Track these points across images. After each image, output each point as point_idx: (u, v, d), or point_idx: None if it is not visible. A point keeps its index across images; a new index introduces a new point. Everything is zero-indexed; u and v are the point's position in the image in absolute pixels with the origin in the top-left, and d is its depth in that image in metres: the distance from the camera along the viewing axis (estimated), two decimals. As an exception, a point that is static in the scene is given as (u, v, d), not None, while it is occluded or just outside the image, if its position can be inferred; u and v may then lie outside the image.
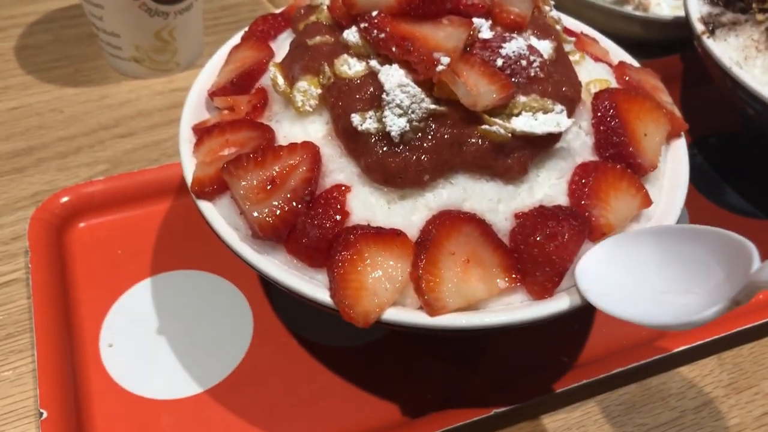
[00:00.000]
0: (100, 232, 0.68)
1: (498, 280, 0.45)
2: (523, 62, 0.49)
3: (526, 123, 0.48)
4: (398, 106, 0.46)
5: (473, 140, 0.47)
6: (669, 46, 0.89)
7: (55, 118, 0.80)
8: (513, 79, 0.49)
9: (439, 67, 0.45)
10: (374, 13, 0.49)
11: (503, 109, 0.48)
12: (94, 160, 0.76)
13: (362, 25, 0.49)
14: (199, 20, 0.87)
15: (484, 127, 0.47)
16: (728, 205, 0.75)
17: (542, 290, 0.46)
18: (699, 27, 0.68)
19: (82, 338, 0.60)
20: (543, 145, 0.49)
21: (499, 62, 0.49)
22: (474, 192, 0.48)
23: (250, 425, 0.56)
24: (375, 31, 0.48)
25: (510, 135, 0.47)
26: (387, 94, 0.46)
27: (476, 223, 0.45)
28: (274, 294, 0.64)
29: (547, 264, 0.45)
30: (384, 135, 0.46)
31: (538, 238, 0.45)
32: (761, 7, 0.66)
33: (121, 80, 0.86)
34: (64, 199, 0.67)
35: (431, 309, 0.44)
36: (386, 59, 0.48)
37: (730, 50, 0.66)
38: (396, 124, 0.46)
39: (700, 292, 0.36)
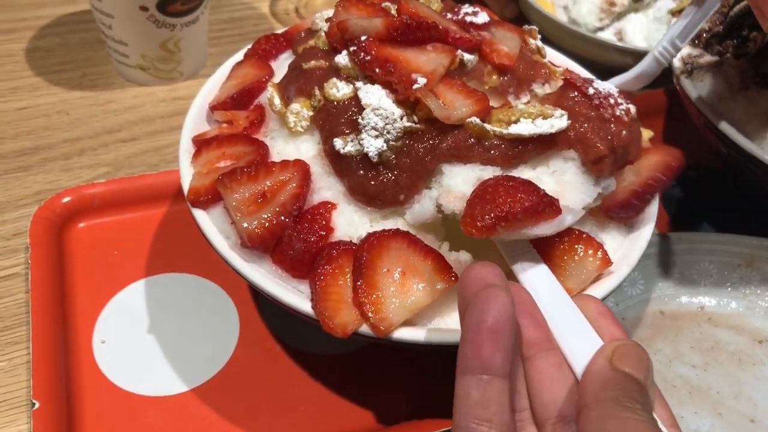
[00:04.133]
0: (99, 233, 0.71)
1: (437, 285, 0.46)
2: (611, 100, 0.53)
3: (522, 128, 0.49)
4: (373, 128, 0.49)
5: (454, 133, 0.49)
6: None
7: (61, 120, 0.83)
8: (600, 110, 0.51)
9: (416, 86, 0.49)
10: (363, 38, 0.52)
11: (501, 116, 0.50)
12: (97, 162, 0.79)
13: (351, 48, 0.52)
14: (204, 32, 0.90)
15: (468, 120, 0.49)
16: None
17: (473, 223, 0.44)
18: (678, 66, 0.72)
19: (76, 333, 0.63)
20: (534, 149, 0.50)
21: (591, 90, 0.52)
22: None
23: (232, 424, 0.59)
24: (362, 53, 0.51)
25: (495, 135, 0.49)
26: (362, 118, 0.49)
27: (402, 236, 0.47)
28: (260, 301, 0.67)
29: (489, 203, 0.45)
30: (364, 157, 0.49)
31: (491, 186, 0.46)
32: (736, 53, 0.69)
33: (126, 86, 0.89)
34: (66, 199, 0.70)
35: (378, 330, 0.46)
36: (371, 81, 0.51)
37: (706, 91, 0.69)
38: (373, 145, 0.49)
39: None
